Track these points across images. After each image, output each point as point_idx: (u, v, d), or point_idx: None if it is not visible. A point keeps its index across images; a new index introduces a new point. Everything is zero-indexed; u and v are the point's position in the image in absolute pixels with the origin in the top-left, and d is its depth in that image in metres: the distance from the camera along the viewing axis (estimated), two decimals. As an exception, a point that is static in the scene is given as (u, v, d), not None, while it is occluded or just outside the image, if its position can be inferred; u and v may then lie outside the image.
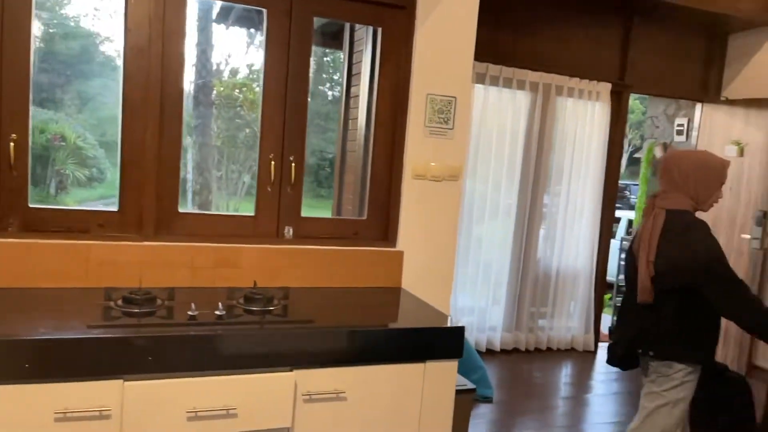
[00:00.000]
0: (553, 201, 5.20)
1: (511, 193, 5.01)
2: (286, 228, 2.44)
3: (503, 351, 5.02)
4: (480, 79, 4.70)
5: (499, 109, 4.86)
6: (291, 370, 1.86)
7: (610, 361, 2.64)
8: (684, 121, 6.13)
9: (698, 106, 5.57)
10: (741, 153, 5.01)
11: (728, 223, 4.98)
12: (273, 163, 2.40)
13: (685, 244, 2.28)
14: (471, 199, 4.88)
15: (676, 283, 2.31)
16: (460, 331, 2.10)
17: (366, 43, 2.88)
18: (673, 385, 2.39)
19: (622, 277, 6.51)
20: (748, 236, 4.84)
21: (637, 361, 2.58)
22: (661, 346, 2.40)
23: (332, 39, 4.00)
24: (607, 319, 6.12)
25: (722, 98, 5.42)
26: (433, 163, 2.58)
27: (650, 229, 2.35)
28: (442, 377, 2.09)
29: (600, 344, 5.43)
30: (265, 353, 1.83)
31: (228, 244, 2.30)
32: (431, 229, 2.62)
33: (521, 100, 4.94)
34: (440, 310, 2.37)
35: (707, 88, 5.50)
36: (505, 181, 4.97)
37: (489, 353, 4.93)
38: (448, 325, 2.13)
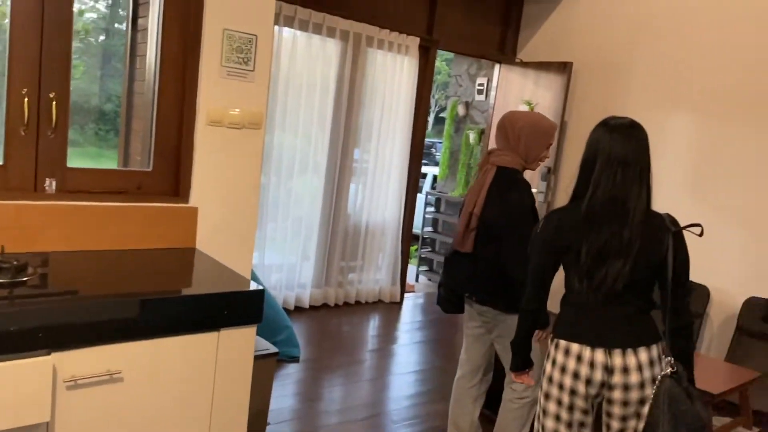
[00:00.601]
0: (363, 156, 5.17)
1: (322, 146, 4.87)
2: (48, 181, 2.02)
3: (312, 307, 4.95)
4: (288, 22, 4.42)
5: (309, 57, 4.65)
6: (49, 354, 1.53)
7: (438, 302, 2.75)
8: (484, 80, 6.45)
9: (497, 66, 5.87)
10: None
11: (520, 178, 5.37)
12: (27, 99, 1.95)
13: (504, 200, 2.42)
14: (280, 152, 4.65)
15: (490, 233, 2.43)
16: (258, 294, 1.91)
17: (155, -33, 2.47)
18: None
19: (428, 229, 6.79)
20: (536, 190, 5.27)
21: (462, 306, 2.68)
22: (483, 293, 2.52)
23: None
24: (413, 271, 6.36)
25: (517, 60, 5.76)
26: (237, 110, 2.31)
27: (480, 184, 2.48)
28: (238, 345, 1.90)
29: (406, 295, 5.61)
30: (12, 335, 1.48)
31: (-35, 200, 1.84)
32: (230, 182, 2.36)
33: (332, 48, 4.77)
34: (239, 271, 2.15)
35: (505, 50, 5.81)
36: (315, 133, 4.81)
37: (298, 311, 4.83)
38: (247, 288, 1.92)
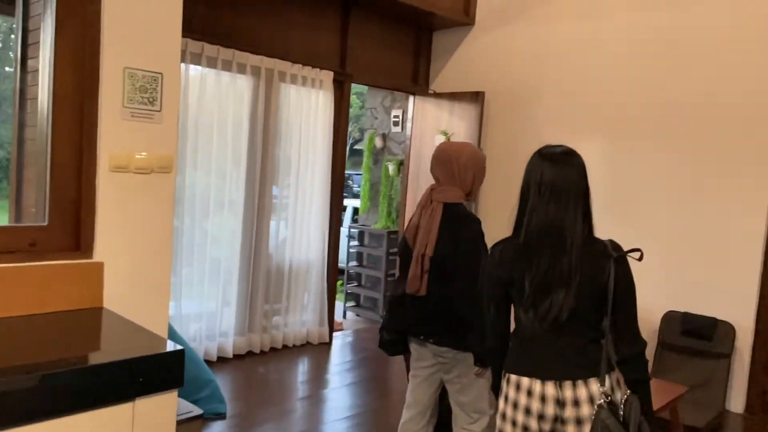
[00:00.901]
0: (282, 192, 5.01)
1: (238, 183, 4.67)
2: None
3: (237, 356, 4.68)
4: (195, 59, 4.25)
5: (219, 94, 4.48)
6: (-77, 452, 1.29)
7: (381, 346, 2.61)
8: (399, 112, 6.49)
9: (411, 98, 5.91)
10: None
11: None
12: None
13: (457, 237, 2.33)
14: (193, 192, 4.41)
15: (442, 272, 2.34)
16: (178, 355, 1.72)
17: (45, 3, 2.28)
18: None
19: (352, 263, 6.68)
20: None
21: (405, 347, 2.57)
22: (440, 334, 2.40)
23: (8, 4, 3.21)
24: (339, 307, 6.20)
25: (430, 91, 5.83)
26: (144, 153, 2.12)
27: (428, 223, 2.36)
28: (158, 414, 1.70)
29: (334, 334, 5.44)
30: None
31: None
32: (140, 231, 2.16)
33: (243, 84, 4.62)
34: (154, 329, 1.95)
35: (418, 81, 5.86)
36: (230, 171, 4.61)
37: (221, 361, 4.54)
38: (164, 349, 1.73)
